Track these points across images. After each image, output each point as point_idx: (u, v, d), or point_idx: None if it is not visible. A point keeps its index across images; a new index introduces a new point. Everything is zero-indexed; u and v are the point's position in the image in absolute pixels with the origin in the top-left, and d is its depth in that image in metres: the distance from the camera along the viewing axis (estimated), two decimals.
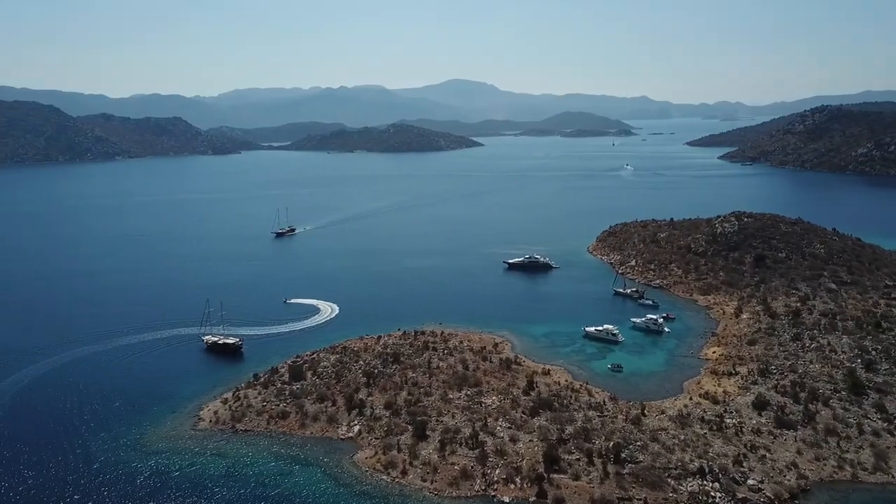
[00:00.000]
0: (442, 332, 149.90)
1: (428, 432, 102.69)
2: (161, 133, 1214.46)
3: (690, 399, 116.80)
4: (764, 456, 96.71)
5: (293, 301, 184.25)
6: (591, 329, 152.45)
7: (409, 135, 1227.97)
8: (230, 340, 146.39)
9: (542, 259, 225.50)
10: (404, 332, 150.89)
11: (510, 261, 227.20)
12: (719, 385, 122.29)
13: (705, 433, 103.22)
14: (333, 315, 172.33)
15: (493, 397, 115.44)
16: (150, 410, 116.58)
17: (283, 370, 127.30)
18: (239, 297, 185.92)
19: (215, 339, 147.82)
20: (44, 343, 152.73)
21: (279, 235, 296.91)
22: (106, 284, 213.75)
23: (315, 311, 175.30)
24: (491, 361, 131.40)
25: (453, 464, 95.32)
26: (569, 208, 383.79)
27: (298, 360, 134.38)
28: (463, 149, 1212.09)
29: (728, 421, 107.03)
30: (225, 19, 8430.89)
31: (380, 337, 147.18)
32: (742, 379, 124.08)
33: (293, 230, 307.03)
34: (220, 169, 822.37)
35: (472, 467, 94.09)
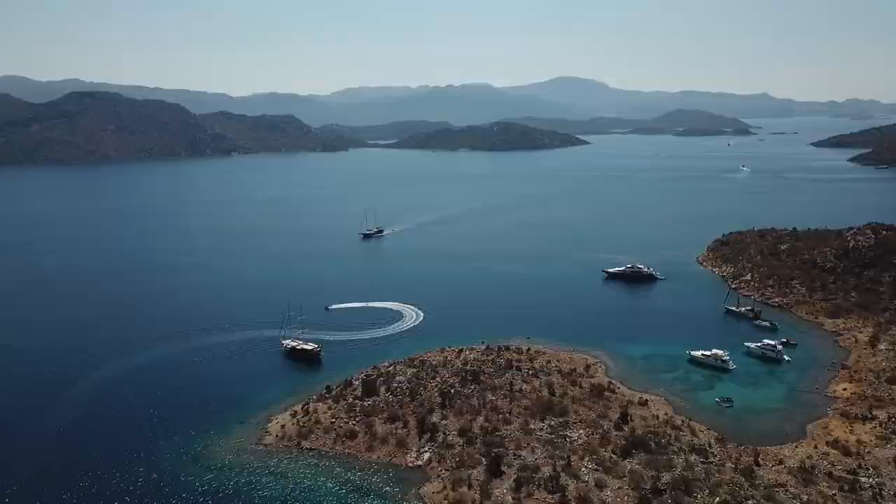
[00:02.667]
0: (528, 349, 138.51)
1: (503, 468, 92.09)
2: (274, 130, 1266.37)
3: (815, 447, 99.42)
4: None
5: (335, 307, 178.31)
6: (698, 353, 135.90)
7: (512, 133, 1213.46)
8: (308, 346, 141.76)
9: (645, 269, 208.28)
10: (488, 346, 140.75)
11: (610, 270, 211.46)
12: (851, 432, 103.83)
13: (834, 494, 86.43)
14: (417, 322, 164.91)
15: (581, 430, 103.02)
16: (220, 419, 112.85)
17: (356, 383, 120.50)
18: (320, 299, 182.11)
19: (294, 344, 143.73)
20: (124, 340, 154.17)
21: (366, 237, 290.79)
22: (191, 280, 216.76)
23: (398, 316, 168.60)
24: (581, 386, 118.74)
25: None
26: (677, 212, 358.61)
27: (374, 372, 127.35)
28: (568, 147, 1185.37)
29: (864, 480, 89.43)
30: (340, 19, 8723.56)
31: (461, 350, 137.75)
32: (881, 426, 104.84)
33: (381, 231, 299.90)
34: (327, 166, 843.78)
35: None
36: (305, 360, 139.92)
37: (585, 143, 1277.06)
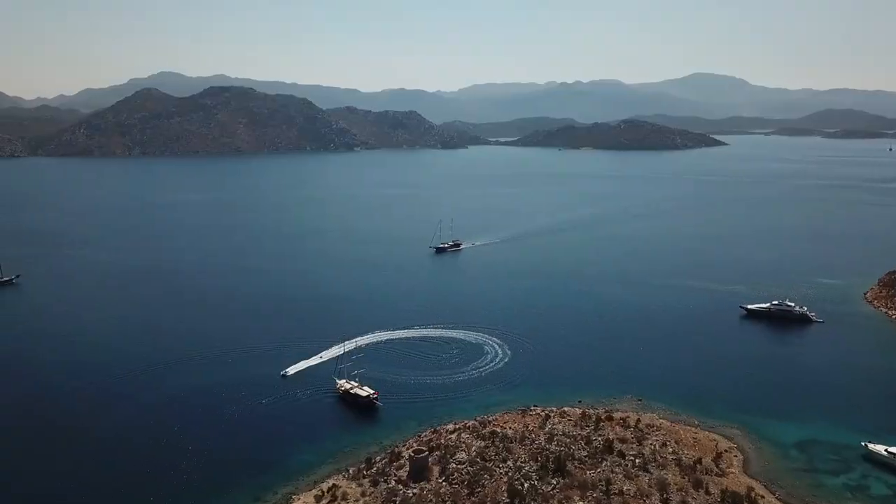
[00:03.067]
0: (638, 420, 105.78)
1: None
2: (397, 126, 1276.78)
3: None
4: None
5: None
6: (880, 449, 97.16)
7: (641, 131, 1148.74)
8: (363, 392, 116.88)
9: (796, 308, 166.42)
10: (584, 411, 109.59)
11: (749, 306, 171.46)
12: None
13: None
14: (499, 361, 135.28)
15: None
16: (238, 486, 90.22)
17: (406, 455, 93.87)
18: (381, 325, 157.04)
19: (348, 386, 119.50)
20: (165, 359, 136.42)
21: (439, 251, 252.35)
22: (250, 289, 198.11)
23: (477, 353, 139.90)
24: (708, 492, 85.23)
25: None
26: (832, 232, 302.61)
27: (432, 438, 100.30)
28: (702, 148, 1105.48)
29: None
30: (466, 18, 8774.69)
31: (548, 416, 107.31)
32: None
33: (458, 245, 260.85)
34: (438, 163, 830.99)
35: None
36: (359, 408, 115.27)
37: (721, 143, 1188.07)
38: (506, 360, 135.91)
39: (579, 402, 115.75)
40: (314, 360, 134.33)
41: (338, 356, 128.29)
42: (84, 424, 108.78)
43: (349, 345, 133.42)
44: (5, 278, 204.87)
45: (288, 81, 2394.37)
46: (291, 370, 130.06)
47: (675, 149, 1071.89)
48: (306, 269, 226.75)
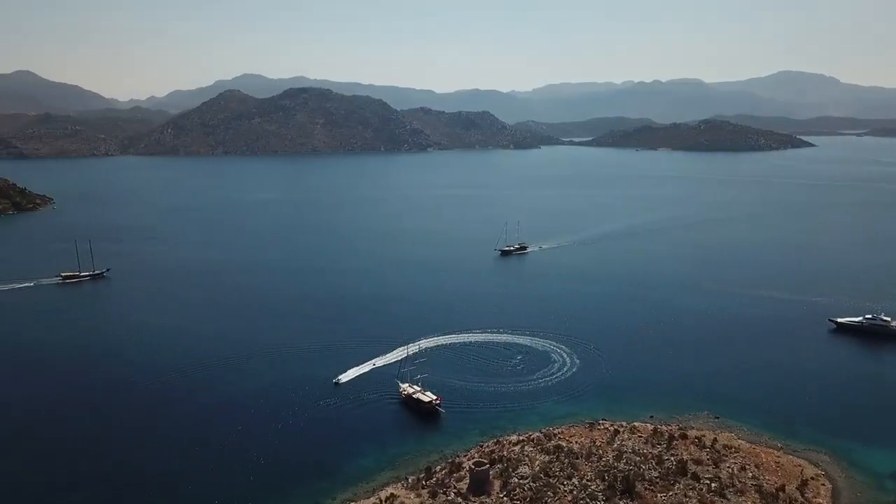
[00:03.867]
0: (714, 440, 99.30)
1: None
2: (469, 126, 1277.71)
3: None
4: None
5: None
6: None
7: (721, 132, 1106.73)
8: (425, 397, 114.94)
9: (892, 323, 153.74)
10: (656, 427, 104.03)
11: (839, 320, 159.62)
12: None
13: None
14: (566, 370, 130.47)
15: None
16: (298, 489, 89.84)
17: (466, 466, 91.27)
18: (442, 328, 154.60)
19: (411, 390, 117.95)
20: (231, 356, 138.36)
21: (504, 254, 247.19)
22: (321, 289, 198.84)
23: (543, 360, 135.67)
24: None
25: None
26: None
27: (494, 449, 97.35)
28: (787, 149, 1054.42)
29: None
30: (542, 18, 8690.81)
31: (617, 431, 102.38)
32: None
33: (524, 248, 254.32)
34: (509, 163, 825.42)
35: None
36: (420, 414, 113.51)
37: (809, 144, 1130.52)
38: (574, 370, 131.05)
39: (651, 417, 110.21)
40: (377, 362, 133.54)
41: (401, 359, 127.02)
42: (149, 419, 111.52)
43: (412, 347, 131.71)
44: (97, 271, 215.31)
45: (365, 83, 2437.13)
46: (353, 372, 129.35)
47: (759, 150, 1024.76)
48: (370, 268, 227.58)
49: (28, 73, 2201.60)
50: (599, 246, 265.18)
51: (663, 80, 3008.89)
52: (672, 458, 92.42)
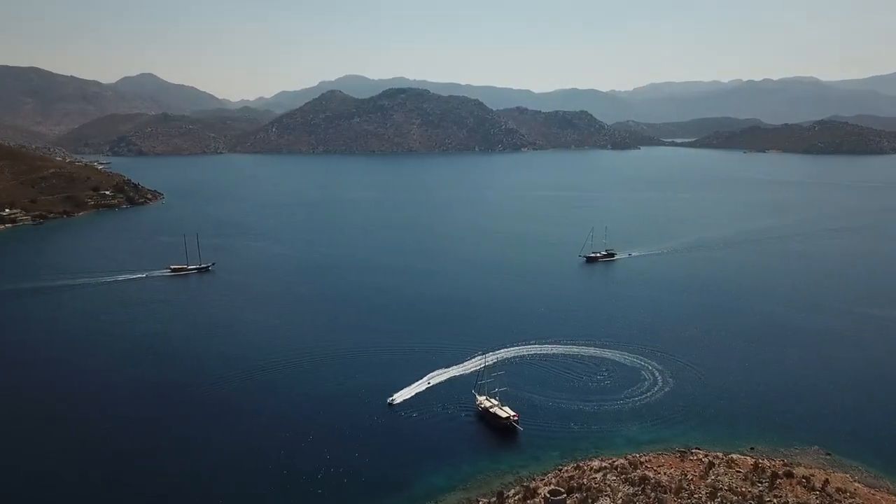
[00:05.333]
0: (826, 482, 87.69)
1: None
2: (566, 126, 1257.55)
3: None
4: None
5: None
6: None
7: (839, 133, 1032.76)
8: (502, 413, 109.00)
9: None
10: (757, 462, 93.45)
11: None
12: None
13: None
14: (657, 390, 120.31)
15: None
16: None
17: (541, 494, 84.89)
18: (523, 339, 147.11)
19: (487, 404, 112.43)
20: (310, 357, 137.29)
21: (590, 260, 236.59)
22: (405, 290, 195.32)
23: (632, 377, 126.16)
24: None
25: None
26: None
27: (574, 474, 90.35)
28: None
29: None
30: (642, 16, 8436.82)
31: (712, 463, 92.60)
32: None
33: (612, 255, 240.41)
34: (605, 164, 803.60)
35: None
36: (497, 430, 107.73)
37: None
38: (665, 390, 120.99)
39: (751, 448, 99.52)
40: (453, 372, 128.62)
41: (479, 370, 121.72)
42: (228, 419, 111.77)
43: (490, 357, 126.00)
44: (203, 265, 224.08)
45: (462, 83, 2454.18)
46: (429, 380, 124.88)
47: (882, 153, 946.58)
48: (453, 270, 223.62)
49: (151, 75, 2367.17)
50: (698, 255, 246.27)
51: (774, 79, 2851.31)
52: (775, 501, 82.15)
